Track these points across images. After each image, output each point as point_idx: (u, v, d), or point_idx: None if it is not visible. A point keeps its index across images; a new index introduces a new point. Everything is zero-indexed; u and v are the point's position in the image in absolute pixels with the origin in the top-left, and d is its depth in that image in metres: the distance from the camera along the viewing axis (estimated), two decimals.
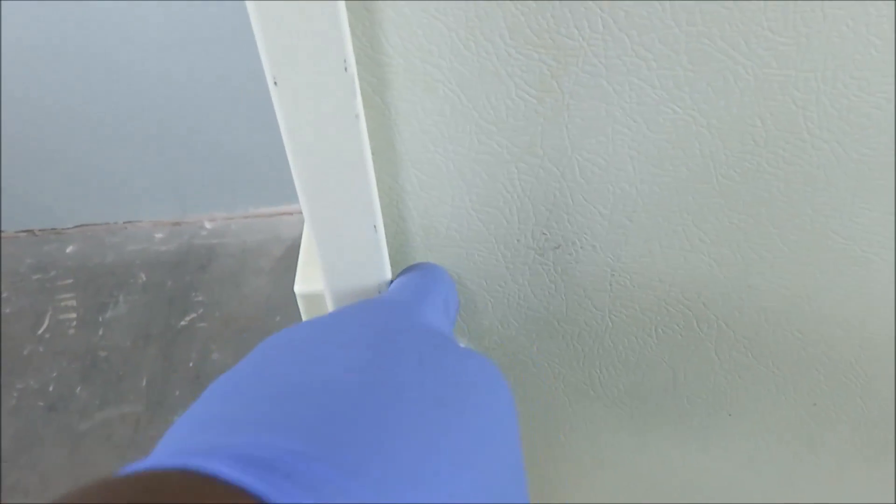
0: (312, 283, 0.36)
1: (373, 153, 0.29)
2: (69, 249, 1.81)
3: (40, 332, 1.62)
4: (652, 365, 0.39)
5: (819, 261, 0.34)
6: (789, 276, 0.35)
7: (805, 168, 0.31)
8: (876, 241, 0.33)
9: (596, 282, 0.35)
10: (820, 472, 0.46)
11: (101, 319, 1.65)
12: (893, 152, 0.30)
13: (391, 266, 0.33)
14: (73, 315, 1.66)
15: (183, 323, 1.63)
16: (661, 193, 0.31)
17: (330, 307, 0.33)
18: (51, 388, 1.52)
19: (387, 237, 0.32)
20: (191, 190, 1.82)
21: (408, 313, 0.27)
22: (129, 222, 1.86)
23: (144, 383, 1.52)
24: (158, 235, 1.83)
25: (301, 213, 0.31)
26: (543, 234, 0.33)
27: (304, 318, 0.37)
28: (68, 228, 1.85)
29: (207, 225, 1.85)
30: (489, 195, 0.31)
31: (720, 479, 0.47)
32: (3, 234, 1.85)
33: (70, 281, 1.73)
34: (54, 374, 1.54)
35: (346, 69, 0.23)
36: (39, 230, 1.86)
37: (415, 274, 0.32)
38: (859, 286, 0.35)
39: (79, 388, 1.52)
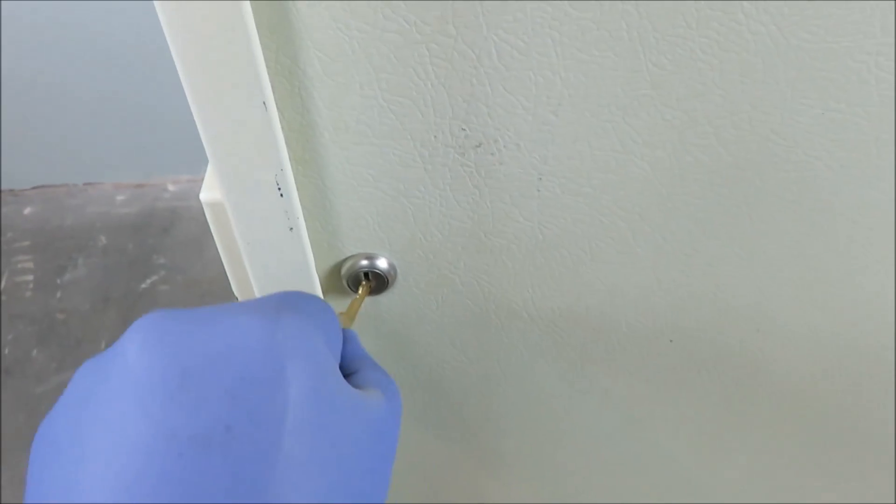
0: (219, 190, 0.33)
1: (267, 30, 0.26)
2: (27, 211, 1.76)
3: None
4: (587, 284, 0.37)
5: (758, 165, 0.32)
6: (727, 183, 0.33)
7: (741, 56, 0.28)
8: (818, 142, 0.31)
9: (523, 187, 0.33)
10: (766, 397, 0.44)
11: (59, 282, 1.61)
12: (836, 38, 0.28)
13: (293, 165, 0.31)
14: (30, 277, 1.61)
15: (144, 286, 1.59)
16: (587, 84, 0.29)
17: (231, 215, 0.30)
18: (6, 352, 1.48)
19: (290, 131, 0.30)
20: (154, 152, 1.77)
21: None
22: (90, 184, 1.81)
23: (103, 346, 1.48)
24: (120, 198, 1.79)
25: None
26: (462, 129, 0.30)
27: (211, 227, 0.35)
28: (26, 190, 1.80)
29: (171, 187, 1.81)
30: (400, 82, 0.29)
31: (665, 415, 0.46)
32: None
33: (27, 243, 1.68)
34: (10, 337, 1.50)
35: None
36: None
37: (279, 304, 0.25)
38: (798, 193, 0.33)
39: (35, 351, 1.48)
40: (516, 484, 0.51)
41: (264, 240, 0.30)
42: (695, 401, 0.44)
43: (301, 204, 0.32)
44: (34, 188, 1.80)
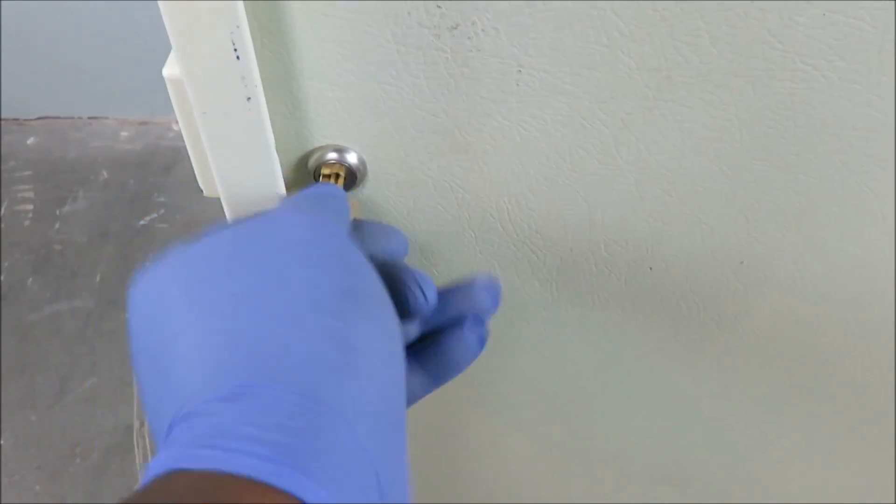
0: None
1: None
2: (30, 141, 1.75)
3: None
4: (566, 197, 0.36)
5: (751, 71, 0.30)
6: (717, 91, 0.31)
7: None
8: (816, 48, 0.29)
9: (501, 80, 0.31)
10: (740, 338, 0.43)
11: (58, 213, 1.60)
12: None
13: (258, 36, 0.29)
14: (30, 207, 1.61)
15: (143, 222, 1.59)
16: None
17: (186, 83, 0.29)
18: (2, 278, 1.48)
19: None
20: (160, 90, 1.74)
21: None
22: (95, 118, 1.79)
23: (98, 279, 1.48)
24: (124, 134, 1.77)
25: None
26: (438, 7, 0.28)
27: (173, 104, 0.33)
28: (31, 120, 1.79)
29: (175, 127, 1.79)
30: None
31: (641, 348, 0.44)
32: None
33: (29, 173, 1.68)
34: (6, 265, 1.50)
35: None
36: (1, 119, 1.79)
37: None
38: (791, 107, 0.31)
39: (30, 280, 1.48)
40: (487, 410, 0.50)
41: (221, 110, 0.28)
42: (672, 335, 0.43)
43: (266, 84, 0.30)
44: (38, 119, 1.79)
